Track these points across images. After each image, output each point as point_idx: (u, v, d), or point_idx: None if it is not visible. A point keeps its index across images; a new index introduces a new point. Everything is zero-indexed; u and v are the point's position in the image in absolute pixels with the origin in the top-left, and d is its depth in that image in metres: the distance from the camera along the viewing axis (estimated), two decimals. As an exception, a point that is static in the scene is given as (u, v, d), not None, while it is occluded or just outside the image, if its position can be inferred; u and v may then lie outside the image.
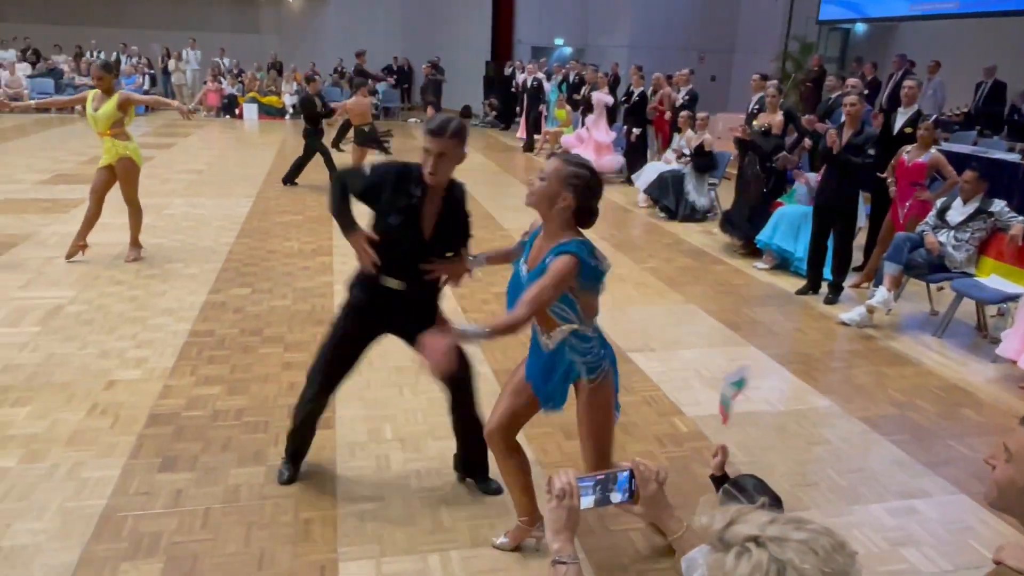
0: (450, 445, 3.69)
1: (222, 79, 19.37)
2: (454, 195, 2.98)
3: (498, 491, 3.29)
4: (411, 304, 3.02)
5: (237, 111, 18.66)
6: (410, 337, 3.02)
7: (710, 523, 1.09)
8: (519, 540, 2.97)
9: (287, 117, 18.59)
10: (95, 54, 19.49)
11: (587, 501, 1.52)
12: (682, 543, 1.52)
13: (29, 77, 18.32)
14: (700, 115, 9.28)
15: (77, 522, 2.98)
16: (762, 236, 7.04)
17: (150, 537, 2.92)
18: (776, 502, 1.93)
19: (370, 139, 9.85)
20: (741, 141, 7.55)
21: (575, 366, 2.66)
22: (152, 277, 6.04)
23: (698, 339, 5.29)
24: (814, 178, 6.63)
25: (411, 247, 2.90)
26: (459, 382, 3.21)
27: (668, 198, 9.11)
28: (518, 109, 16.87)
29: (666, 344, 5.15)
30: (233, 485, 3.28)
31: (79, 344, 4.67)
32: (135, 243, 6.51)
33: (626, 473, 1.54)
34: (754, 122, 7.62)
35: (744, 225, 7.49)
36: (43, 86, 18.39)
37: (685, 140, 9.34)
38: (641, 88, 11.26)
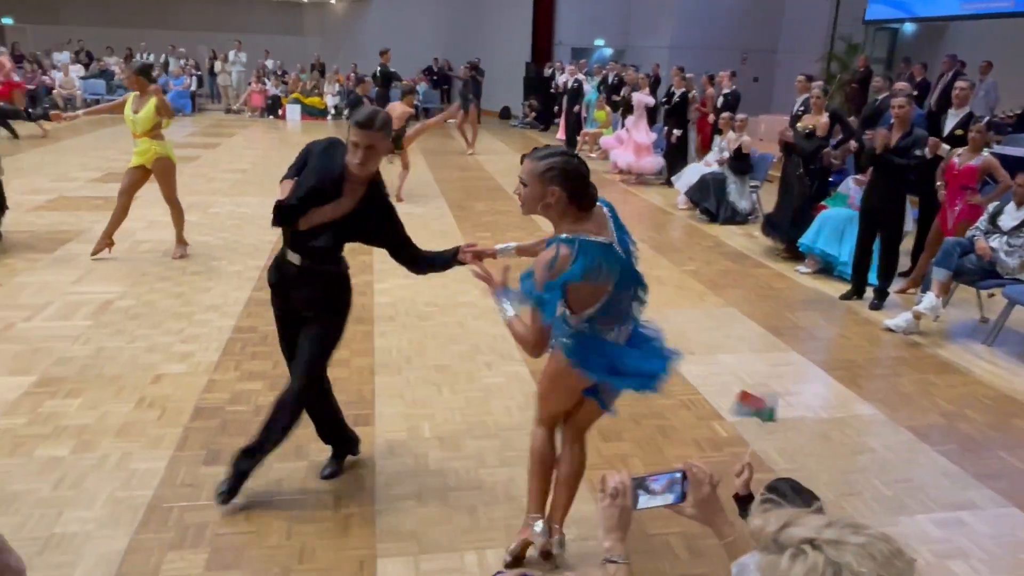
0: (488, 444, 3.72)
1: (266, 80, 19.71)
2: (378, 191, 2.98)
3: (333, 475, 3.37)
4: (308, 280, 3.01)
5: (280, 112, 18.96)
6: (302, 314, 3.08)
7: (764, 525, 1.08)
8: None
9: (329, 118, 18.84)
10: (144, 56, 19.97)
11: (640, 501, 1.53)
12: (734, 548, 1.51)
13: (82, 78, 18.88)
14: (739, 117, 9.16)
15: (126, 511, 3.06)
16: (805, 239, 6.92)
17: (195, 528, 2.99)
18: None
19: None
20: (785, 143, 7.44)
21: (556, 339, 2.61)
22: (197, 274, 6.17)
23: (739, 343, 5.22)
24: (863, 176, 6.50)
25: (320, 222, 2.91)
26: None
27: (709, 201, 9.02)
28: (557, 109, 16.85)
29: (706, 348, 5.10)
30: (275, 479, 3.34)
31: (128, 338, 4.79)
32: (180, 240, 6.65)
33: (679, 475, 1.54)
34: (798, 124, 7.51)
35: (787, 228, 7.38)
36: (95, 87, 18.93)
37: (726, 142, 9.23)
38: (683, 89, 11.16)
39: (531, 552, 2.88)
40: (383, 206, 3.01)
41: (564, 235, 2.42)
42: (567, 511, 2.87)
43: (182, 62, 19.70)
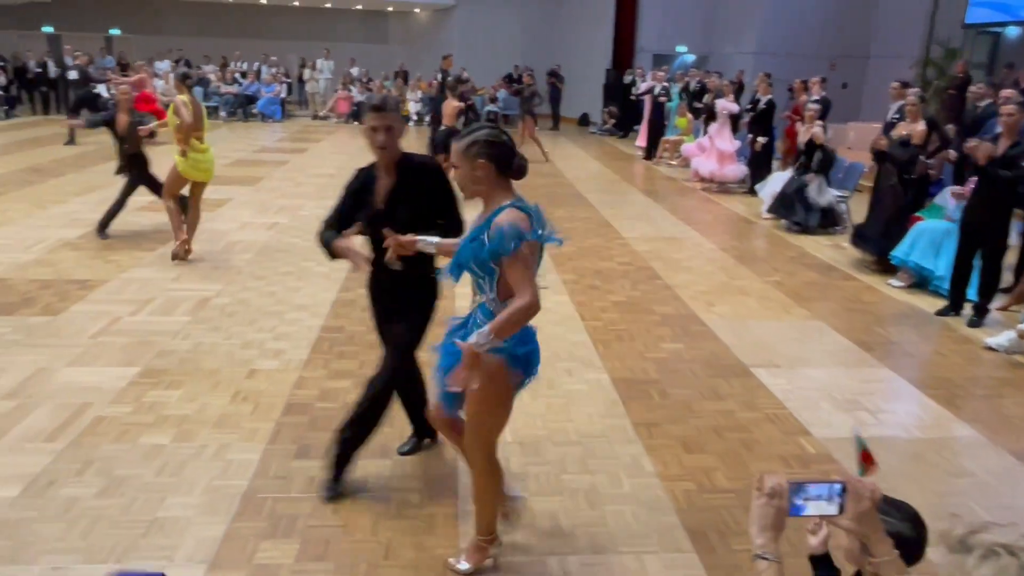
0: (570, 451, 3.72)
1: (352, 87, 20.26)
2: (411, 167, 3.07)
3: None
4: (397, 283, 3.10)
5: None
6: (391, 315, 3.24)
7: (951, 528, 1.09)
8: (480, 561, 2.83)
9: (411, 124, 19.21)
10: (239, 64, 20.84)
11: (797, 507, 1.53)
12: (888, 568, 1.49)
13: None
14: (810, 106, 8.86)
15: (223, 500, 3.21)
16: (898, 252, 6.66)
17: (287, 519, 3.10)
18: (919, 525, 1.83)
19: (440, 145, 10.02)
20: (878, 152, 7.17)
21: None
22: (288, 274, 6.40)
23: (826, 357, 5.07)
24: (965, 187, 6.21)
25: (369, 223, 3.05)
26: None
27: (795, 213, 8.75)
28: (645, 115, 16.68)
29: (791, 361, 4.97)
30: (361, 476, 3.43)
31: (224, 335, 5.02)
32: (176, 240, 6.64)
33: (838, 486, 1.53)
34: (892, 132, 7.23)
35: (878, 240, 7.11)
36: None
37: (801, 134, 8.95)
38: (768, 96, 10.91)
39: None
40: (422, 177, 3.09)
41: (514, 201, 2.46)
42: None
43: (273, 70, 20.47)
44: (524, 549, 2.99)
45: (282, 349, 4.80)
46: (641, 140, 15.52)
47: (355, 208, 3.13)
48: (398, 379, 3.29)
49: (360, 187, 3.15)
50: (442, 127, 10.17)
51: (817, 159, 8.72)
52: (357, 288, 6.07)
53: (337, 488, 3.25)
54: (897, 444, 3.96)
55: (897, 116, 7.98)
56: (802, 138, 8.76)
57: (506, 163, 2.48)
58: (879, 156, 7.19)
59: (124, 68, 20.21)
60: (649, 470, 3.58)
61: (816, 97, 10.36)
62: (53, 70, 18.93)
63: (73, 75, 15.44)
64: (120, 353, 4.65)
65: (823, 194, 8.74)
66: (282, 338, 4.99)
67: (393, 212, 2.99)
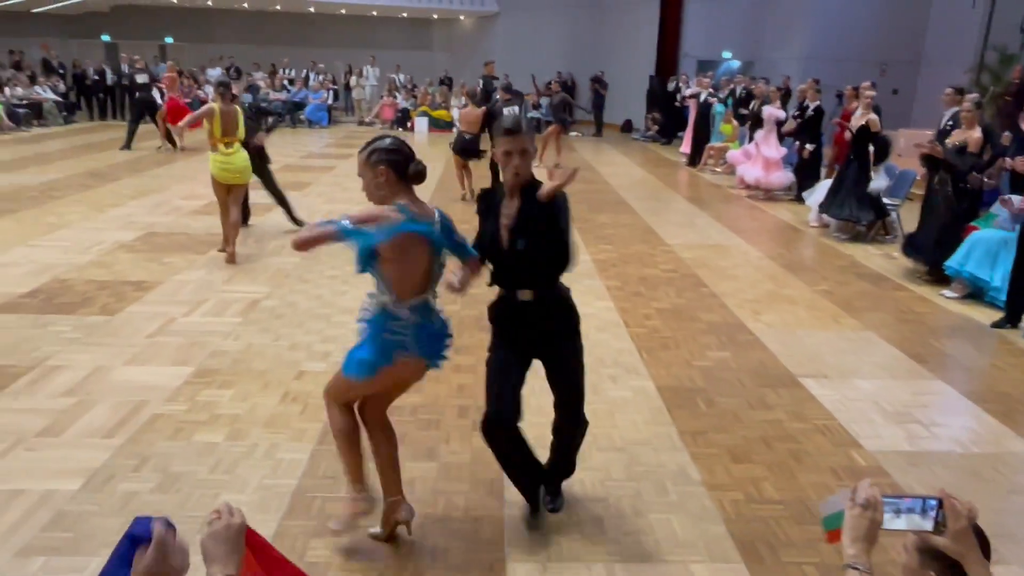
0: (615, 457, 3.71)
1: (397, 94, 20.51)
2: (535, 187, 2.80)
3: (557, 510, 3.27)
4: (543, 312, 2.91)
5: (409, 124, 19.68)
6: (538, 353, 3.01)
7: None
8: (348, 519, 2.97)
9: (454, 130, 19.36)
10: (287, 71, 21.26)
11: (891, 520, 1.52)
12: None
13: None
14: (868, 92, 8.67)
15: (273, 498, 3.27)
16: (952, 262, 6.49)
17: (336, 519, 3.15)
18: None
19: (465, 147, 10.10)
20: (931, 159, 7.00)
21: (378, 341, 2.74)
22: (334, 278, 6.50)
23: (877, 369, 4.96)
24: (1019, 200, 6.03)
25: (496, 253, 2.86)
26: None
27: (845, 208, 8.55)
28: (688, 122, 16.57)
29: (841, 372, 4.88)
30: (408, 478, 3.44)
31: (273, 336, 5.12)
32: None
33: (934, 502, 1.51)
34: (947, 139, 7.06)
35: (931, 249, 6.95)
36: (243, 100, 20.30)
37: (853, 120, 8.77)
38: (816, 102, 10.74)
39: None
40: (548, 203, 2.79)
41: (401, 203, 2.67)
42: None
43: (321, 77, 20.83)
44: (569, 555, 2.99)
45: (329, 351, 4.88)
46: (685, 147, 15.41)
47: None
48: (582, 427, 3.18)
49: (485, 209, 2.96)
50: (464, 134, 10.24)
51: (873, 149, 8.51)
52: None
53: (555, 503, 3.25)
54: (952, 459, 3.86)
55: (951, 123, 7.78)
56: (855, 123, 8.56)
57: (403, 169, 2.68)
58: (931, 163, 7.02)
59: (178, 75, 20.78)
60: (695, 479, 3.55)
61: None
62: (110, 77, 19.55)
63: (142, 78, 15.98)
64: (175, 353, 4.78)
65: (876, 182, 8.56)
66: (329, 340, 5.06)
67: (516, 239, 2.80)
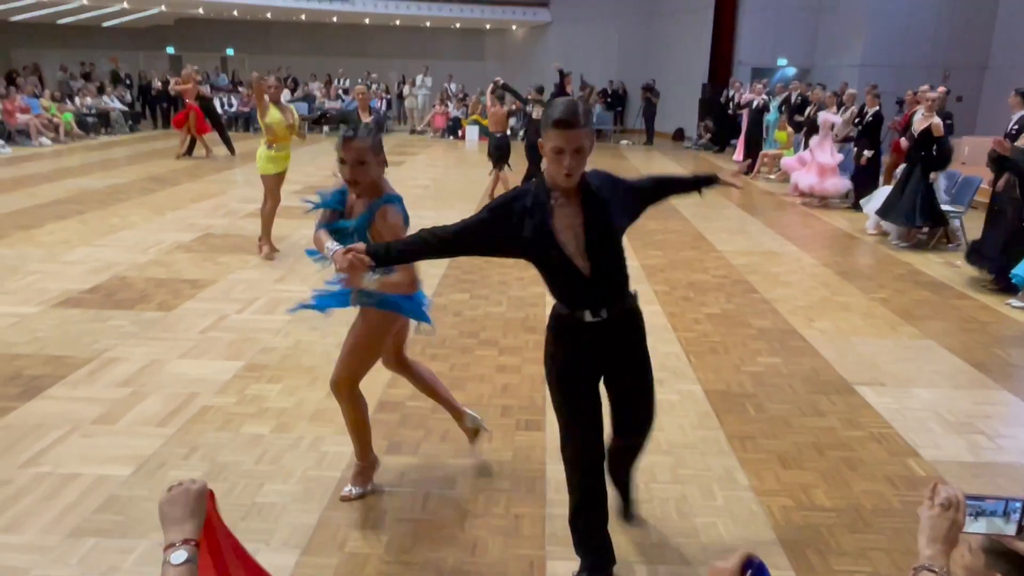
0: (660, 460, 3.64)
1: (448, 103, 20.71)
2: (591, 189, 2.39)
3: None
4: (601, 336, 2.50)
5: (460, 132, 19.85)
6: (607, 375, 2.66)
7: None
8: (365, 483, 3.28)
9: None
10: (342, 81, 21.67)
11: (973, 523, 1.45)
12: None
13: (288, 101, 20.79)
14: (930, 95, 8.37)
15: (316, 489, 3.30)
16: (1020, 270, 6.22)
17: (377, 511, 3.16)
18: None
19: (495, 149, 10.22)
20: (998, 161, 6.72)
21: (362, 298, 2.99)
22: (383, 279, 6.55)
23: (938, 378, 4.77)
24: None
25: (561, 270, 2.42)
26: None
27: (906, 215, 8.26)
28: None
29: (899, 380, 4.70)
30: (450, 474, 3.46)
31: (321, 333, 5.18)
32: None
33: (1018, 504, 1.44)
34: (1017, 142, 6.78)
35: (996, 257, 6.67)
36: (299, 109, 20.78)
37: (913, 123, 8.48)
38: (875, 108, 10.45)
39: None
40: (612, 194, 2.45)
41: (393, 194, 3.01)
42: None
43: (375, 87, 21.17)
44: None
45: (376, 349, 4.91)
46: (738, 155, 15.16)
47: (491, 241, 2.46)
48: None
49: (521, 216, 2.38)
50: (495, 133, 10.44)
51: (935, 152, 8.21)
52: (449, 294, 6.18)
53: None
54: (1017, 471, 3.68)
55: (1017, 127, 7.48)
56: (917, 126, 8.29)
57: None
58: (998, 165, 6.74)
59: (238, 85, 21.39)
60: (743, 483, 3.46)
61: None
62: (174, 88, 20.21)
63: (204, 89, 16.49)
64: (226, 348, 4.88)
65: (937, 189, 8.27)
66: (376, 339, 5.09)
67: (591, 256, 2.39)
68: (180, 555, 1.33)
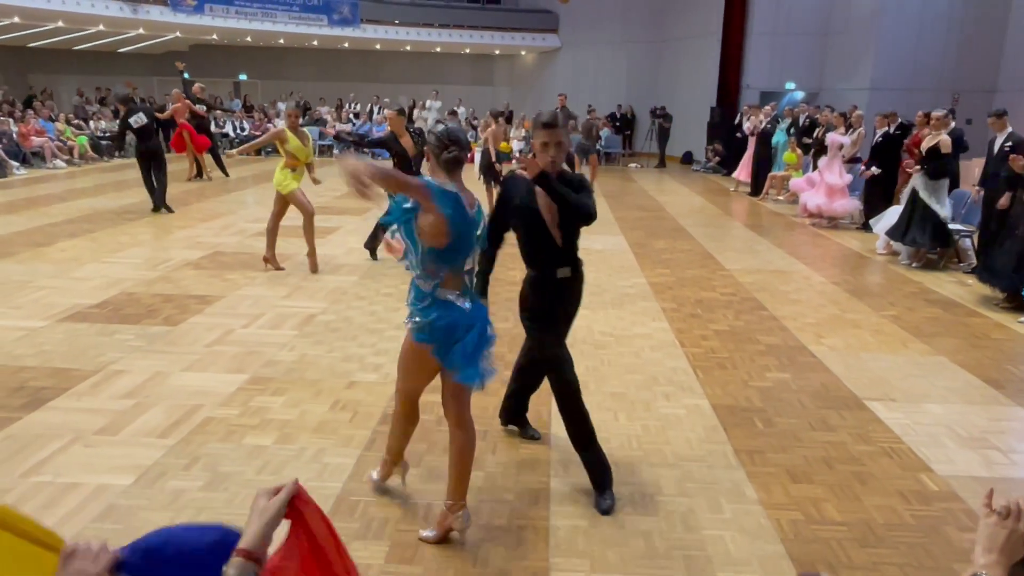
0: (666, 473, 3.59)
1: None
2: (568, 180, 3.20)
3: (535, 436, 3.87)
4: (565, 288, 3.37)
5: (469, 156, 19.95)
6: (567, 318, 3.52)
7: None
8: (386, 475, 3.35)
9: (514, 162, 19.53)
10: (353, 105, 21.89)
11: None
12: None
13: (300, 126, 21.02)
14: (935, 113, 8.36)
15: (318, 500, 3.19)
16: (1032, 288, 6.15)
17: (378, 522, 3.12)
18: None
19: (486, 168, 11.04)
20: (1011, 180, 6.68)
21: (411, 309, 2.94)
22: (389, 295, 6.55)
23: (949, 394, 4.70)
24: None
25: (541, 238, 3.25)
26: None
27: (914, 235, 8.21)
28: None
29: (910, 396, 4.63)
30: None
31: (327, 348, 5.16)
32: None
33: None
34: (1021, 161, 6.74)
35: (1009, 275, 6.60)
36: (311, 133, 21.03)
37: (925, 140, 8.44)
38: (885, 128, 10.43)
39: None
40: (577, 188, 3.19)
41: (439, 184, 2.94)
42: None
43: (385, 111, 21.37)
44: (616, 566, 2.87)
45: (381, 364, 4.89)
46: (740, 174, 15.10)
47: (506, 216, 3.33)
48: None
49: (511, 194, 3.31)
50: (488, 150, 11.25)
51: (934, 166, 8.16)
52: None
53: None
54: (1033, 487, 3.60)
55: (1010, 146, 7.49)
56: (926, 144, 8.26)
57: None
58: (1010, 183, 6.71)
59: (249, 110, 21.64)
60: (751, 497, 3.39)
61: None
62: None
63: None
64: (231, 361, 4.87)
65: (941, 205, 8.18)
66: (382, 353, 5.08)
67: (563, 227, 3.24)
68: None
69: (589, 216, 3.14)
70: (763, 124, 14.17)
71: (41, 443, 3.69)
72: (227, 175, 14.90)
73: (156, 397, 4.27)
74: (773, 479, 3.56)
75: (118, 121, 12.48)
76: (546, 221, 3.21)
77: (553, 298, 3.36)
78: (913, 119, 11.45)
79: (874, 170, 10.23)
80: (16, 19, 17.31)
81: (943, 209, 8.15)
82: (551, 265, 3.31)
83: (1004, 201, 6.95)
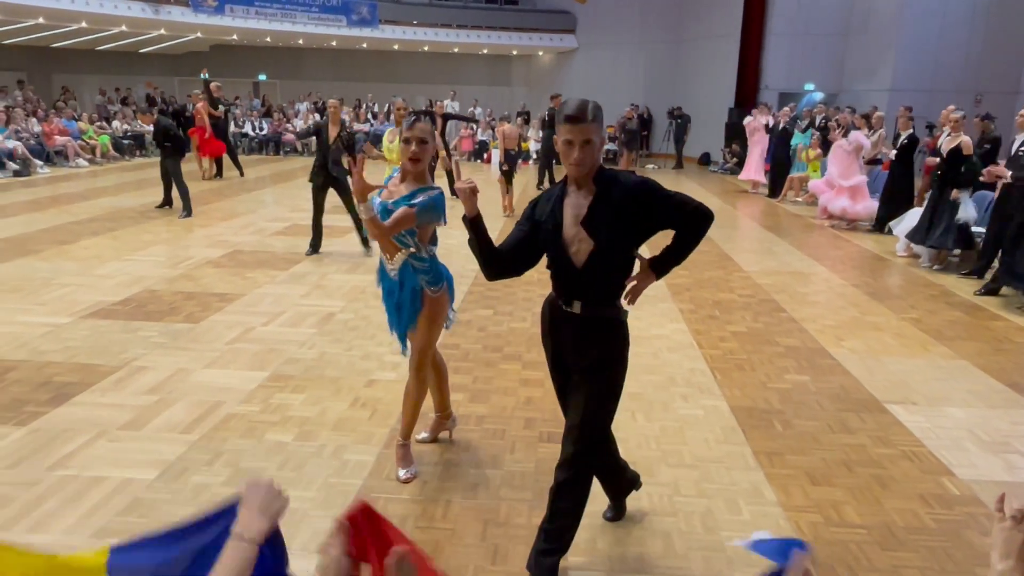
0: (685, 474, 3.59)
1: (474, 126, 20.91)
2: (609, 185, 2.48)
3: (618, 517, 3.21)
4: (588, 330, 2.58)
5: (486, 156, 20.00)
6: (574, 368, 2.67)
7: None
8: (436, 431, 3.85)
9: (531, 162, 19.56)
10: (371, 105, 22.00)
11: None
12: None
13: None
14: (954, 115, 8.28)
15: (338, 496, 3.29)
16: (1056, 291, 6.08)
17: (398, 519, 3.14)
18: None
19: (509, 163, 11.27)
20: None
21: (418, 281, 3.28)
22: (408, 295, 6.57)
23: (972, 397, 4.66)
24: None
25: (556, 256, 2.55)
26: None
27: (930, 236, 8.14)
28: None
29: (931, 399, 4.60)
30: (472, 483, 3.44)
31: (346, 346, 5.20)
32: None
33: None
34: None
35: (1032, 278, 6.54)
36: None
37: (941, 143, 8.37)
38: (908, 131, 10.34)
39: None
40: (626, 192, 2.48)
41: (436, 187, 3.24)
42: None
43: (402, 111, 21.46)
44: (635, 566, 2.88)
45: (400, 362, 4.90)
46: (747, 174, 15.01)
47: (533, 233, 2.61)
48: (589, 466, 2.70)
49: (539, 208, 2.63)
50: (509, 151, 11.49)
51: (965, 175, 8.09)
52: (473, 310, 6.18)
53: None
54: (1057, 492, 3.56)
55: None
56: (946, 147, 8.19)
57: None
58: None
59: (268, 111, 21.81)
60: (770, 499, 3.38)
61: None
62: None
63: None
64: (252, 359, 4.92)
65: (966, 211, 8.11)
66: (399, 353, 5.09)
67: (591, 230, 2.48)
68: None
69: (700, 227, 2.69)
70: (780, 124, 14.08)
71: (67, 437, 3.75)
72: (242, 174, 15.01)
73: (179, 393, 4.33)
74: (792, 481, 3.55)
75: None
76: (564, 237, 2.51)
77: (554, 332, 2.69)
78: (935, 120, 11.37)
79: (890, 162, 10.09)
80: (41, 20, 17.54)
81: (967, 210, 8.07)
82: (561, 292, 2.62)
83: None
